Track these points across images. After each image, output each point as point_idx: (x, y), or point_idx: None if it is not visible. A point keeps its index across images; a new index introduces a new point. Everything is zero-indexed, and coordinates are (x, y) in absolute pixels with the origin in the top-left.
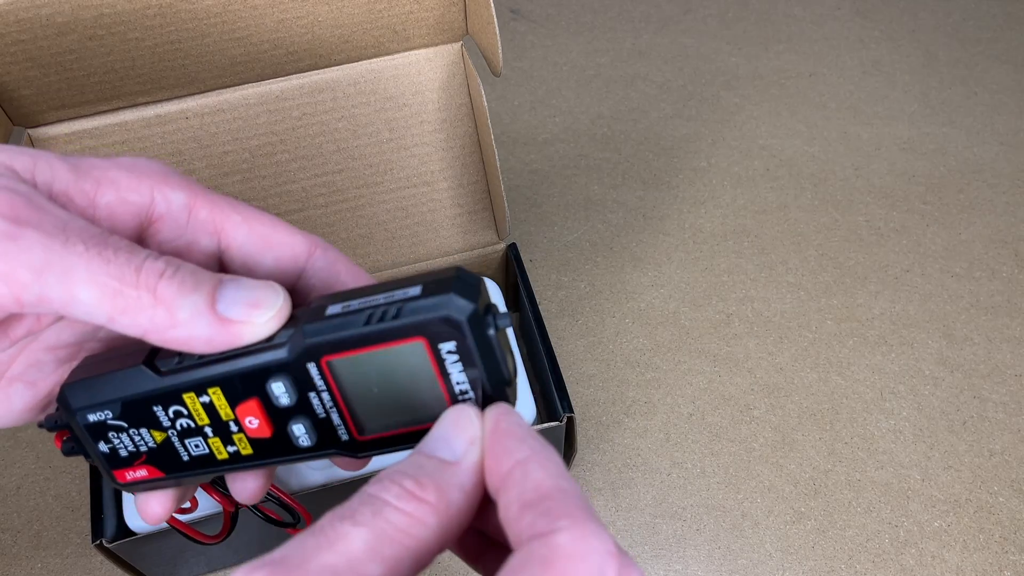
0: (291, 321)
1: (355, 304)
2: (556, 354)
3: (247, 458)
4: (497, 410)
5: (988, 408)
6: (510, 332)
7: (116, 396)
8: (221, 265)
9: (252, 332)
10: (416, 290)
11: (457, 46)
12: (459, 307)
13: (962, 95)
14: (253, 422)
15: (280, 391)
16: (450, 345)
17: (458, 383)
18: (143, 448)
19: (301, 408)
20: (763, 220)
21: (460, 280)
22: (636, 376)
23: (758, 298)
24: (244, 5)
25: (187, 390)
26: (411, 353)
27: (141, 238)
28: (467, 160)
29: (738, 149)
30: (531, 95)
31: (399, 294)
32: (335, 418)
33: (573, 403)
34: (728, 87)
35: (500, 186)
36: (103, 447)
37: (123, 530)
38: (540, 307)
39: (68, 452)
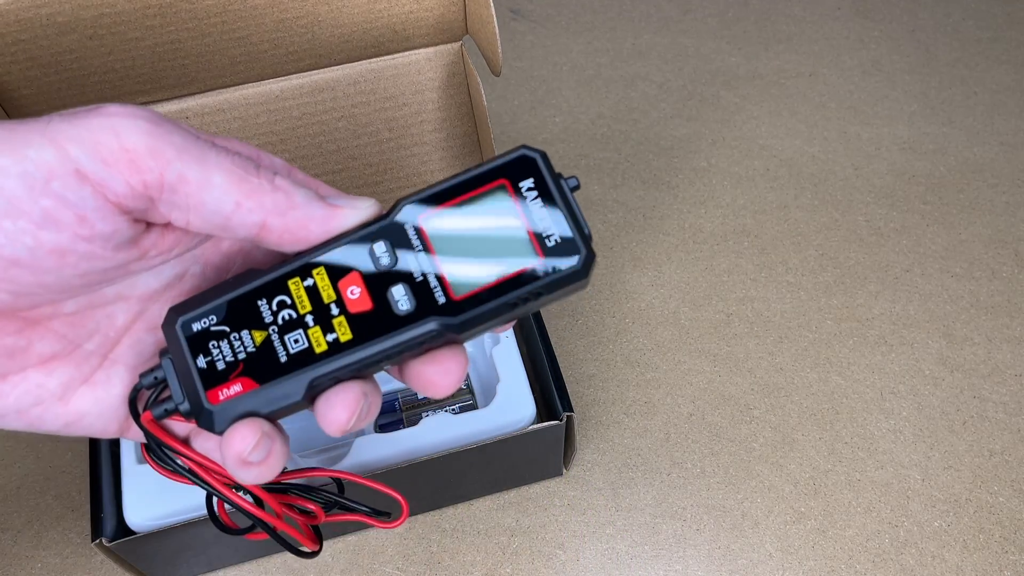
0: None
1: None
2: (556, 354)
3: (346, 347)
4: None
5: (988, 408)
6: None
7: (223, 298)
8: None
9: (356, 215)
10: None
11: (457, 46)
12: (531, 150)
13: (962, 95)
14: (354, 291)
15: (380, 250)
16: (528, 181)
17: (541, 217)
18: (241, 355)
19: (399, 272)
20: (763, 220)
21: (525, 146)
22: (636, 376)
23: (758, 298)
24: (244, 5)
25: (292, 275)
26: (495, 197)
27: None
28: (467, 160)
29: (738, 149)
30: (531, 95)
31: (490, 162)
32: (431, 280)
33: (573, 403)
34: (728, 87)
35: None
36: (201, 361)
37: (123, 529)
38: None
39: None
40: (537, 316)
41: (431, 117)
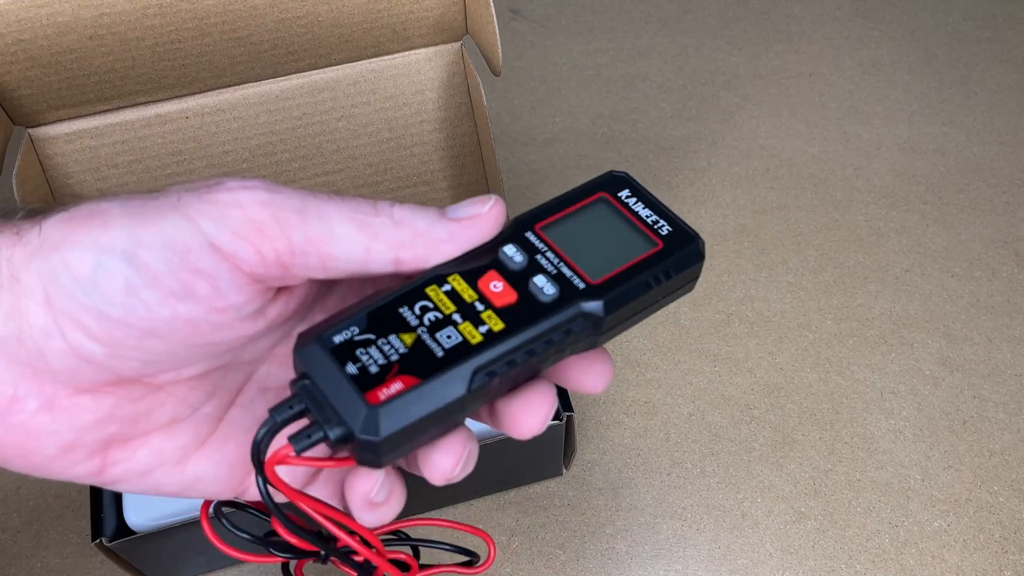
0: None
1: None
2: None
3: (501, 336)
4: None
5: (988, 408)
6: None
7: (360, 312)
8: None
9: (483, 221)
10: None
11: (457, 46)
12: (619, 172)
13: (962, 95)
14: (497, 286)
15: (512, 251)
16: (626, 191)
17: (648, 215)
18: (394, 357)
19: (534, 267)
20: (763, 220)
21: (613, 170)
22: (636, 376)
23: (758, 298)
24: (244, 5)
25: (428, 284)
26: (600, 206)
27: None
28: (467, 160)
29: (738, 149)
30: (531, 95)
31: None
32: (565, 270)
33: (573, 403)
34: (728, 87)
35: (500, 186)
36: (352, 368)
37: (123, 529)
38: None
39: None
40: None
41: (431, 117)
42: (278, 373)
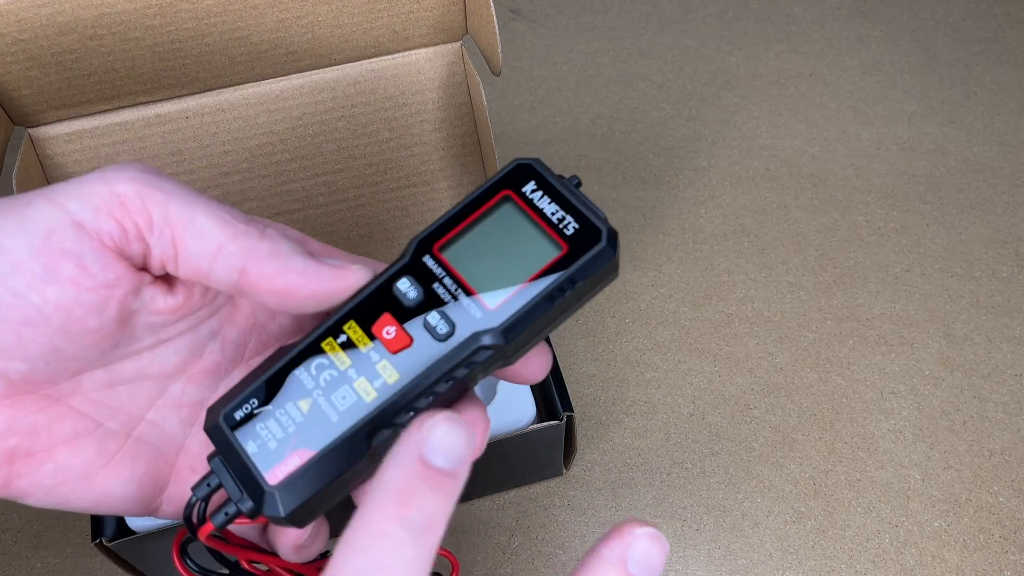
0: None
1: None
2: (556, 354)
3: (396, 387)
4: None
5: (988, 408)
6: None
7: (259, 380)
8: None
9: (339, 276)
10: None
11: (457, 46)
12: (524, 159)
13: (962, 95)
14: (390, 331)
15: (406, 286)
16: (530, 185)
17: (553, 212)
18: (291, 429)
19: (429, 301)
20: (763, 220)
21: (519, 157)
22: (636, 376)
23: (758, 298)
24: (244, 5)
25: (324, 336)
26: (504, 208)
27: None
28: (467, 160)
29: (738, 149)
30: (531, 95)
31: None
32: (463, 298)
33: (573, 403)
34: (728, 87)
35: None
36: (252, 447)
37: (123, 529)
38: None
39: (216, 526)
40: None
41: (431, 117)
42: (193, 392)
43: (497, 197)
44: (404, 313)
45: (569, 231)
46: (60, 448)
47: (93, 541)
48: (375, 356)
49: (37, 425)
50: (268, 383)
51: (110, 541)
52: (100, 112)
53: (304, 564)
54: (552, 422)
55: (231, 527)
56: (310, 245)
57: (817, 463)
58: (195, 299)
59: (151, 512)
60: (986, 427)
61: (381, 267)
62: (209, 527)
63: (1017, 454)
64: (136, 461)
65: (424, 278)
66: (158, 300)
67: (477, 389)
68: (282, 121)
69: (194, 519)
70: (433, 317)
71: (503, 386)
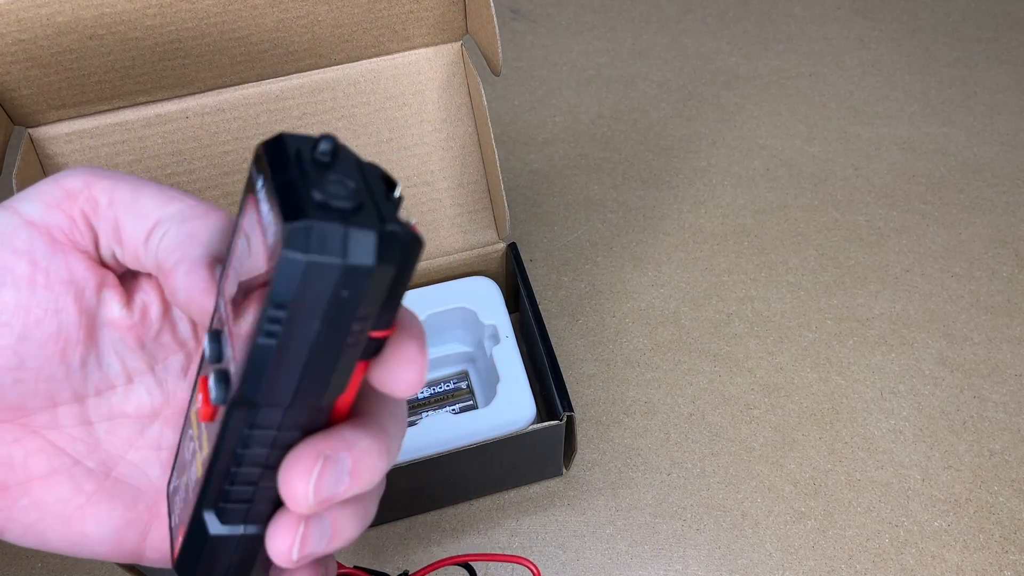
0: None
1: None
2: (556, 354)
3: (205, 459)
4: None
5: (988, 408)
6: (510, 340)
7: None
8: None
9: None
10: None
11: (457, 46)
12: (264, 144)
13: (962, 95)
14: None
15: (206, 344)
16: (259, 181)
17: (266, 218)
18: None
19: (217, 358)
20: (763, 220)
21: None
22: (636, 376)
23: (758, 298)
24: (244, 5)
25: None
26: (247, 217)
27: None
28: (467, 160)
29: (738, 149)
30: (531, 95)
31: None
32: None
33: (573, 403)
34: (728, 87)
35: (500, 186)
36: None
37: None
38: (540, 307)
39: None
40: (537, 316)
41: (431, 117)
42: (171, 434)
43: (246, 205)
44: (206, 378)
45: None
46: (35, 483)
47: None
48: (194, 427)
49: (13, 456)
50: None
51: None
52: (100, 112)
53: None
54: (552, 422)
55: None
56: None
57: (817, 463)
58: (151, 319)
59: (136, 558)
60: (986, 427)
61: None
62: None
63: (1017, 454)
64: (114, 502)
65: (216, 335)
66: (115, 308)
67: (478, 391)
68: (282, 121)
69: None
70: (212, 381)
71: (503, 386)
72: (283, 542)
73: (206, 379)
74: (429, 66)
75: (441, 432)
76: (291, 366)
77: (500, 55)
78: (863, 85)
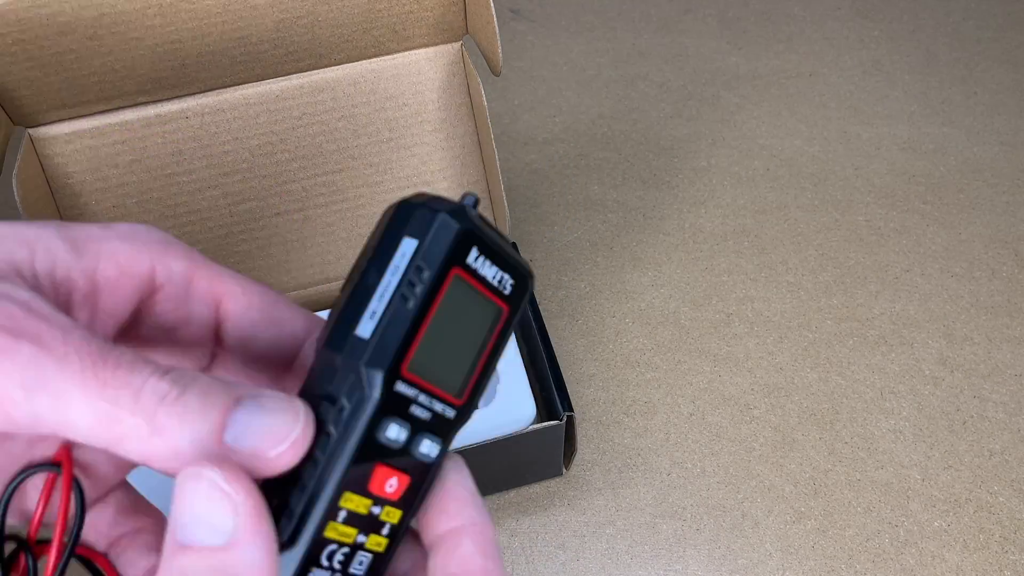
0: (336, 360)
1: (377, 306)
2: (556, 354)
3: (401, 522)
4: (451, 464)
5: (988, 408)
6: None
7: None
8: (218, 338)
9: (263, 466)
10: (408, 243)
11: (457, 46)
12: (460, 224)
13: (962, 95)
14: (392, 484)
15: (395, 432)
16: (473, 252)
17: (494, 276)
18: None
19: (415, 431)
20: (763, 220)
21: (413, 206)
22: (636, 376)
23: (758, 298)
24: (244, 5)
25: (325, 523)
26: (455, 291)
27: (140, 309)
28: (467, 160)
29: (738, 149)
30: (531, 95)
31: (396, 260)
32: (437, 407)
33: (573, 403)
34: (728, 87)
35: (500, 186)
36: None
37: None
38: (540, 307)
39: None
40: (537, 316)
41: (431, 117)
42: (136, 558)
43: (447, 281)
44: (395, 456)
45: (507, 290)
46: None
47: None
48: (377, 510)
49: None
50: None
51: None
52: (100, 112)
53: None
54: (552, 422)
55: None
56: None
57: (817, 463)
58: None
59: None
60: (986, 427)
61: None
62: None
63: (1017, 454)
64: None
65: (402, 409)
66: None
67: None
68: (282, 121)
69: None
70: (425, 446)
71: (503, 386)
72: None
73: (387, 467)
74: (429, 66)
75: None
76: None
77: (500, 55)
78: (863, 85)
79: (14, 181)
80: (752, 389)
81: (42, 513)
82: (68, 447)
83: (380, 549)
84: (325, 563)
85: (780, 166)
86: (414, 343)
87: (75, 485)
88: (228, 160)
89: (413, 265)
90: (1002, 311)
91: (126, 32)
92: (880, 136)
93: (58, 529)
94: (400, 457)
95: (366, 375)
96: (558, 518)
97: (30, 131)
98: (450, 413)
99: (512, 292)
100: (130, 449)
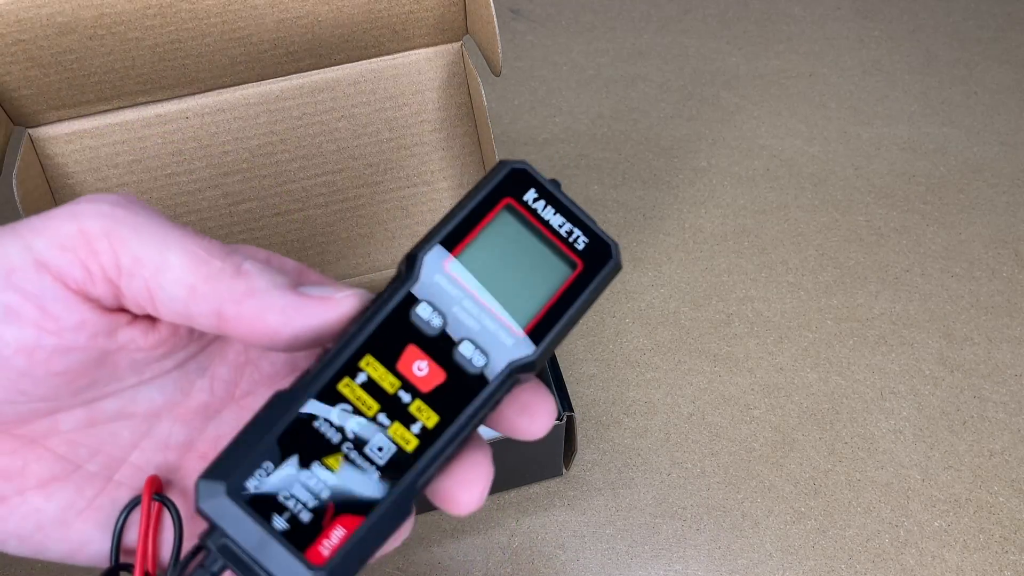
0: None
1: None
2: (556, 354)
3: (437, 431)
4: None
5: (988, 408)
6: None
7: (266, 439)
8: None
9: (329, 306)
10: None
11: (457, 46)
12: (515, 163)
13: (962, 95)
14: (422, 367)
15: (428, 314)
16: (531, 193)
17: (560, 225)
18: (325, 494)
19: (455, 328)
20: (763, 220)
21: (506, 161)
22: (636, 376)
23: (758, 298)
24: (244, 5)
25: (338, 378)
26: (507, 218)
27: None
28: (467, 160)
29: (738, 149)
30: (531, 95)
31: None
32: (489, 324)
33: (573, 403)
34: (728, 87)
35: None
36: (279, 522)
37: None
38: None
39: None
40: None
41: (431, 117)
42: (180, 432)
43: (499, 206)
44: (430, 345)
45: (580, 246)
46: (34, 492)
47: None
48: (406, 397)
49: (10, 468)
50: (281, 442)
51: None
52: (100, 112)
53: None
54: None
55: None
56: (307, 276)
57: (817, 463)
58: (182, 334)
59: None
60: (986, 427)
61: (369, 296)
62: None
63: (1017, 454)
64: (118, 507)
65: (441, 300)
66: (138, 339)
67: None
68: (282, 121)
69: None
70: (466, 349)
71: None
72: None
73: (419, 349)
74: (429, 66)
75: None
76: (562, 340)
77: (500, 55)
78: (863, 85)
79: (14, 181)
80: (752, 389)
81: (152, 540)
82: (153, 480)
83: (407, 447)
84: (335, 421)
85: (780, 166)
86: (456, 246)
87: (172, 509)
88: (228, 160)
89: (479, 195)
90: (1002, 311)
91: (126, 32)
92: (880, 136)
93: (139, 554)
94: (436, 349)
95: (409, 257)
96: (558, 518)
97: (30, 131)
98: (507, 339)
99: (586, 250)
100: (212, 288)
